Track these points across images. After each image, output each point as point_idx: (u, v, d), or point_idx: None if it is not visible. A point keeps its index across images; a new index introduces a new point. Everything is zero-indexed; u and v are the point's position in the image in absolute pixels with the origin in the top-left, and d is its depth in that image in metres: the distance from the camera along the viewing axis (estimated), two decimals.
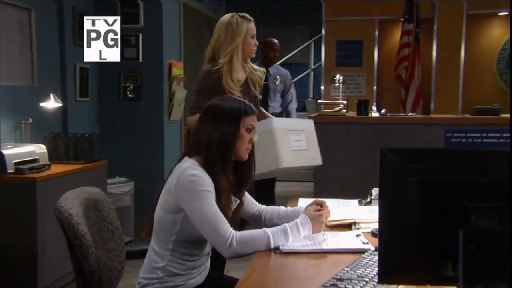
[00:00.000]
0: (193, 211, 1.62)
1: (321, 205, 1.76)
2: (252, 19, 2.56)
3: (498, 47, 5.88)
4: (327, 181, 4.09)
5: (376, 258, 1.38)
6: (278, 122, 2.45)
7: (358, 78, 5.95)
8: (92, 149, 3.63)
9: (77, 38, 4.15)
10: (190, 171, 1.65)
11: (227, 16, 2.57)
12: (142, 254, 1.97)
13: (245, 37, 2.50)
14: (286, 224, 1.62)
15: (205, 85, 2.43)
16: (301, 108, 7.36)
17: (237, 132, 1.72)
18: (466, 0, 5.53)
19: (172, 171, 1.73)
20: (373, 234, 1.72)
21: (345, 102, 4.48)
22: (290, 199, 2.37)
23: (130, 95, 4.46)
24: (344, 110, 4.48)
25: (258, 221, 1.93)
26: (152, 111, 4.47)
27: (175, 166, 1.75)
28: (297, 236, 1.61)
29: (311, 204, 1.77)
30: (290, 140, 2.40)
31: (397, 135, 4.08)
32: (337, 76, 4.84)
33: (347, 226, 1.81)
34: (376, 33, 5.86)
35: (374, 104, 4.71)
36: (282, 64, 7.82)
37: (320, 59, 7.82)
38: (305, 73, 7.70)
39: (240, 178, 1.81)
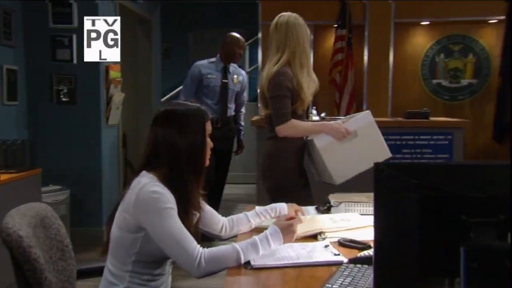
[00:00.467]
0: (157, 230, 1.49)
1: (296, 211, 1.67)
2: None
3: (421, 54, 6.18)
4: None
5: (355, 270, 1.35)
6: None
7: None
8: (25, 157, 3.35)
9: (3, 37, 3.81)
10: (150, 187, 1.51)
11: (298, 17, 2.45)
12: (94, 272, 1.83)
13: None
14: (256, 237, 1.54)
15: (288, 87, 2.29)
16: None
17: (205, 139, 1.62)
18: (395, 0, 5.73)
19: (130, 186, 1.58)
20: (340, 243, 1.69)
21: None
22: (247, 205, 2.29)
23: (64, 99, 4.17)
24: None
25: (228, 231, 1.85)
26: (88, 115, 4.21)
27: (132, 181, 1.60)
28: (267, 248, 1.53)
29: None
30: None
31: None
32: None
33: (313, 236, 1.77)
34: (311, 37, 5.94)
35: (314, 107, 4.75)
36: None
37: (255, 62, 7.84)
38: None
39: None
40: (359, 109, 5.93)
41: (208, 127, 1.64)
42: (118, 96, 4.44)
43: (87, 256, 3.33)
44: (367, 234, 1.72)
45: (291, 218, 1.63)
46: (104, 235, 1.70)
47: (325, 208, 2.15)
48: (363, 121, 2.35)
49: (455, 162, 1.27)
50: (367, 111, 2.47)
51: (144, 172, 1.58)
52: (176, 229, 1.47)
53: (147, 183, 1.52)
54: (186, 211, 1.55)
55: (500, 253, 0.90)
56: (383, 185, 0.98)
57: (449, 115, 5.30)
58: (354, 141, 2.28)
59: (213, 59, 4.26)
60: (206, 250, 1.48)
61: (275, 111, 2.32)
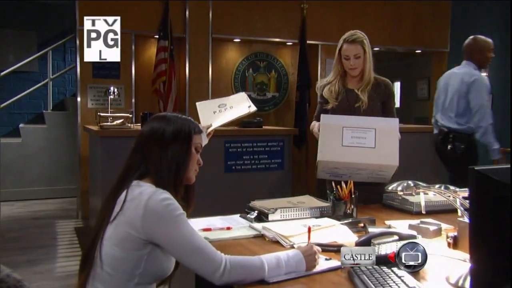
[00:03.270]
0: (175, 239, 1.33)
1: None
2: (350, 40, 2.51)
3: (234, 68, 6.52)
4: None
5: (372, 271, 1.36)
6: (329, 118, 2.41)
7: (117, 91, 5.57)
8: None
9: None
10: (159, 195, 1.35)
11: None
12: None
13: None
14: (279, 255, 1.40)
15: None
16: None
17: (189, 153, 1.49)
18: (213, 4, 5.87)
19: (124, 198, 1.37)
20: None
21: (130, 115, 4.16)
22: None
23: None
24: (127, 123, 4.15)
25: None
26: None
27: (120, 193, 1.39)
28: (289, 269, 1.39)
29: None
30: (345, 137, 2.29)
31: None
32: (111, 88, 4.46)
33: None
34: (133, 47, 5.63)
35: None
36: (11, 73, 6.64)
37: (57, 69, 7.04)
38: (42, 83, 6.74)
39: (185, 203, 1.54)
40: None
41: (197, 140, 1.53)
42: None
43: None
44: (324, 235, 1.75)
45: None
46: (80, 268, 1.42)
47: (253, 216, 2.08)
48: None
49: None
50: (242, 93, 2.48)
51: (138, 182, 1.41)
52: (195, 235, 1.36)
53: (154, 192, 1.36)
54: None
55: None
56: (479, 190, 1.04)
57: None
58: None
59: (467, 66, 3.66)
60: (231, 256, 1.36)
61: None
